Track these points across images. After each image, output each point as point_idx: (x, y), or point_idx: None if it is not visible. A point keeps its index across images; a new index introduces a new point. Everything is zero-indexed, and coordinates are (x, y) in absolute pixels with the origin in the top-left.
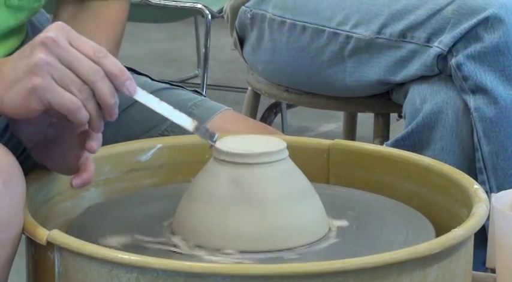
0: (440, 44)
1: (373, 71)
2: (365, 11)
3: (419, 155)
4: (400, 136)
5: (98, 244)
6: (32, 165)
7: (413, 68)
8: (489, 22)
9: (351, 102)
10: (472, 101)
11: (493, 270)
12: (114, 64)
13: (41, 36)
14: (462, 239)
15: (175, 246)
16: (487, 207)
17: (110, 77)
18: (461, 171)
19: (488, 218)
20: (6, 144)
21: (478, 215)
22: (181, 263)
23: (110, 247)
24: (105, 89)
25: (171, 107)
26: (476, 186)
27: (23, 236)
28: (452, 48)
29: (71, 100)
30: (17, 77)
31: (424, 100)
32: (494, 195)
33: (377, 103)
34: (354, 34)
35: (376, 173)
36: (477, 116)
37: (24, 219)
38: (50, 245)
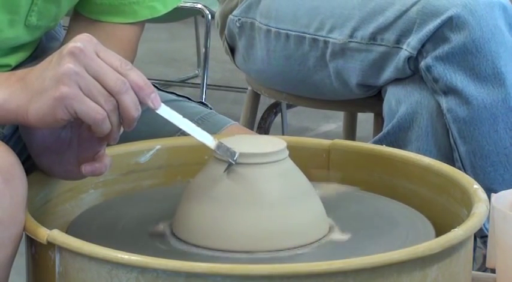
0: (408, 47)
1: (351, 75)
2: (338, 15)
3: (419, 155)
4: (378, 138)
5: (98, 244)
6: (31, 168)
7: (389, 71)
8: (453, 22)
9: (350, 102)
10: (444, 102)
11: (493, 270)
12: (139, 77)
13: (69, 46)
14: (462, 239)
15: (175, 246)
16: (487, 207)
17: (135, 89)
18: (460, 171)
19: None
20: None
21: (478, 215)
22: (181, 263)
23: (110, 247)
24: (129, 101)
25: (193, 124)
26: (476, 186)
27: (23, 236)
28: (422, 50)
29: (96, 111)
30: (43, 86)
31: (398, 101)
32: (494, 195)
33: (377, 103)
34: (330, 39)
35: (376, 173)
36: (450, 117)
37: (25, 218)
38: (51, 244)
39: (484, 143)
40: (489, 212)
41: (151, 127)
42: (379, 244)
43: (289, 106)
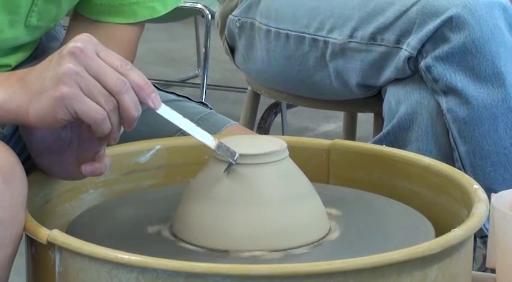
0: (408, 47)
1: (351, 75)
2: (338, 15)
3: (419, 155)
4: (378, 138)
5: (98, 244)
6: (31, 168)
7: (388, 71)
8: (453, 22)
9: (350, 102)
10: (444, 102)
11: (493, 270)
12: (140, 77)
13: (69, 46)
14: (462, 239)
15: (175, 246)
16: (487, 207)
17: (135, 89)
18: (460, 171)
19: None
20: None
21: (478, 215)
22: (181, 263)
23: (110, 247)
24: (129, 101)
25: (193, 124)
26: (476, 186)
27: (23, 236)
28: (422, 50)
29: (97, 110)
30: (44, 86)
31: (398, 101)
32: (494, 195)
33: (377, 103)
34: (330, 39)
35: (376, 173)
36: (450, 117)
37: (26, 218)
38: (51, 244)
39: (484, 143)
40: (489, 212)
41: (151, 127)
42: (379, 244)
43: (289, 106)
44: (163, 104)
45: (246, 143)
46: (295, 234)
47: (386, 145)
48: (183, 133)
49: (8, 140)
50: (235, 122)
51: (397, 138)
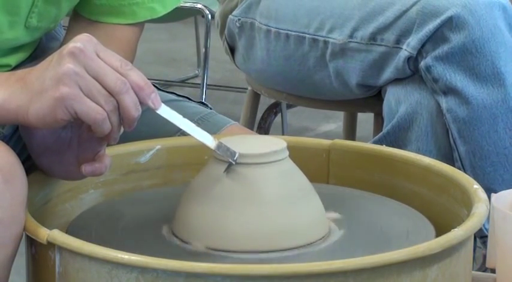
0: (408, 47)
1: (351, 75)
2: (338, 15)
3: (419, 155)
4: (378, 138)
5: (98, 244)
6: (31, 168)
7: (388, 71)
8: (453, 22)
9: (350, 102)
10: (444, 102)
11: (493, 270)
12: (139, 77)
13: (69, 46)
14: (462, 239)
15: (175, 246)
16: (487, 207)
17: (135, 89)
18: (460, 171)
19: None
20: None
21: (478, 215)
22: (181, 263)
23: (110, 247)
24: (129, 101)
25: (193, 124)
26: (476, 186)
27: (23, 236)
28: (422, 50)
29: (97, 111)
30: (44, 86)
31: (398, 101)
32: (494, 195)
33: (377, 103)
34: (330, 39)
35: (376, 173)
36: (450, 117)
37: (26, 218)
38: (51, 244)
39: (484, 143)
40: (489, 212)
41: (151, 127)
42: (379, 244)
43: (289, 106)
44: (163, 104)
45: (246, 143)
46: (295, 234)
47: (386, 145)
48: (183, 133)
49: (8, 140)
50: (235, 122)
51: (397, 138)
